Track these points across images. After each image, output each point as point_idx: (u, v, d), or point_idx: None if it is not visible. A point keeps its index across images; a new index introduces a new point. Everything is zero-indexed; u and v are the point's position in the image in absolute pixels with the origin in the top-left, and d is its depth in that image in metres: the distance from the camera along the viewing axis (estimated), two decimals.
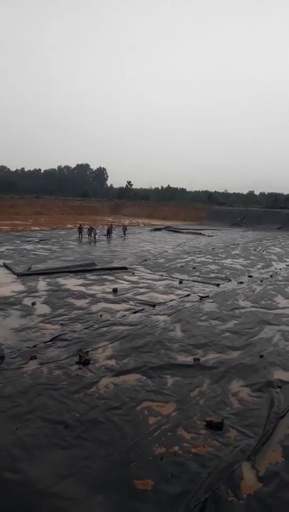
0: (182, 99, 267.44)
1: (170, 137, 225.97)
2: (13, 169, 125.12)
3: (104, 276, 18.72)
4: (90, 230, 34.56)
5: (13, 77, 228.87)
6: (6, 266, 20.19)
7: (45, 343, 9.92)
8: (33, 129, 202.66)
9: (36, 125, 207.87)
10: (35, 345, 9.70)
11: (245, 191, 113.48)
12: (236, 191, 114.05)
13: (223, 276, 20.04)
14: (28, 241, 31.40)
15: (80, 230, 35.71)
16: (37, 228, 43.15)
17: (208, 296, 15.35)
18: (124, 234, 40.13)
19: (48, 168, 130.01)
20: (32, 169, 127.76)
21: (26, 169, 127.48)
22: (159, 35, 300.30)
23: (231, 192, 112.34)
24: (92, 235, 34.24)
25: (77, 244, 31.33)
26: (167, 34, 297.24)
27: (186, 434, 6.21)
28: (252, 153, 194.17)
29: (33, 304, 13.46)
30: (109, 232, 36.08)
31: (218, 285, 17.74)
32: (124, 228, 41.17)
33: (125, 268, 21.10)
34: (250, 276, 20.08)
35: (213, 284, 17.84)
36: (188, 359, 9.23)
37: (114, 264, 22.23)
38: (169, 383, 7.99)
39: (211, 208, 76.48)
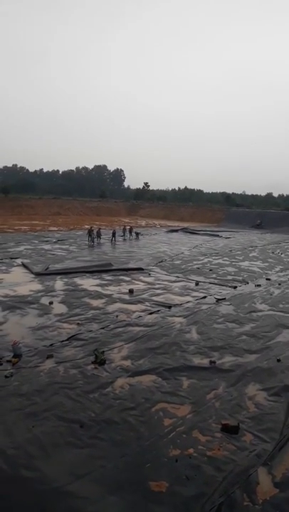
0: (200, 102, 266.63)
1: (188, 139, 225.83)
2: (31, 170, 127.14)
3: (121, 277, 18.78)
4: (98, 232, 33.61)
5: (31, 80, 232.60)
6: (24, 265, 20.49)
7: (61, 342, 10.01)
8: (52, 131, 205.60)
9: (55, 127, 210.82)
10: (51, 344, 9.80)
11: (263, 193, 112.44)
12: (254, 193, 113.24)
13: (241, 278, 19.84)
14: (46, 241, 31.78)
15: (90, 232, 33.14)
16: (55, 228, 43.64)
17: (224, 299, 15.22)
18: (131, 235, 38.23)
19: (66, 169, 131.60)
20: (50, 170, 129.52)
21: (45, 170, 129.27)
22: (184, 35, 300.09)
23: (249, 194, 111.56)
24: (93, 237, 32.32)
25: (92, 245, 31.42)
26: (193, 34, 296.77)
27: (201, 436, 6.17)
28: (271, 154, 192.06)
29: (51, 303, 13.60)
30: (114, 235, 34.37)
31: (235, 287, 17.57)
32: (131, 229, 39.06)
33: (141, 269, 21.12)
34: (268, 279, 19.82)
35: (230, 287, 17.68)
36: (204, 361, 9.17)
37: (131, 265, 22.27)
38: (184, 385, 7.95)
39: (228, 210, 75.91)
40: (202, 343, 10.35)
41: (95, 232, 33.17)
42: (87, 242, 32.43)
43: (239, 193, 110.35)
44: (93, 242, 32.07)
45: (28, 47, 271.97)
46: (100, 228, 35.63)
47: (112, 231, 35.89)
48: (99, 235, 33.49)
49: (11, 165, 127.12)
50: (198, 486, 5.04)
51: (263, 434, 6.30)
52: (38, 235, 36.49)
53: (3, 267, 19.85)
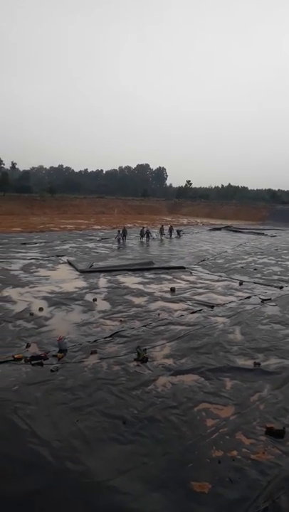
0: (244, 99, 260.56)
1: (232, 136, 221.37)
2: (77, 170, 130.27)
3: (162, 275, 18.78)
4: (142, 231, 33.40)
5: (77, 82, 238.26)
6: (69, 263, 21.08)
7: (105, 338, 10.18)
8: (96, 131, 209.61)
9: (99, 127, 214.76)
10: (95, 340, 9.99)
11: None
12: None
13: (287, 278, 19.18)
14: (90, 239, 32.47)
15: (124, 232, 32.42)
16: (98, 227, 44.52)
17: (270, 299, 14.78)
18: (171, 234, 36.47)
19: (109, 168, 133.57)
20: (95, 170, 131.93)
21: (89, 170, 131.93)
22: (235, 32, 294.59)
23: None
24: (118, 237, 31.45)
25: (137, 243, 31.66)
26: (244, 32, 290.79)
27: (245, 439, 6.04)
28: None
29: (94, 300, 13.89)
30: (148, 235, 33.27)
31: (281, 288, 17.00)
32: (171, 228, 37.43)
33: (183, 267, 21.01)
34: None
35: (275, 287, 17.14)
36: (248, 363, 8.96)
37: (172, 264, 22.22)
38: (227, 386, 7.82)
39: (273, 207, 73.71)
40: (246, 344, 10.12)
41: (121, 231, 32.31)
42: (139, 240, 32.31)
43: (286, 189, 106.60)
44: (119, 242, 30.93)
45: (69, 49, 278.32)
46: (143, 227, 35.80)
47: (140, 230, 34.61)
48: (142, 234, 33.66)
49: (57, 165, 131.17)
50: (242, 490, 4.93)
51: None
52: (83, 233, 37.37)
53: (50, 265, 20.54)
